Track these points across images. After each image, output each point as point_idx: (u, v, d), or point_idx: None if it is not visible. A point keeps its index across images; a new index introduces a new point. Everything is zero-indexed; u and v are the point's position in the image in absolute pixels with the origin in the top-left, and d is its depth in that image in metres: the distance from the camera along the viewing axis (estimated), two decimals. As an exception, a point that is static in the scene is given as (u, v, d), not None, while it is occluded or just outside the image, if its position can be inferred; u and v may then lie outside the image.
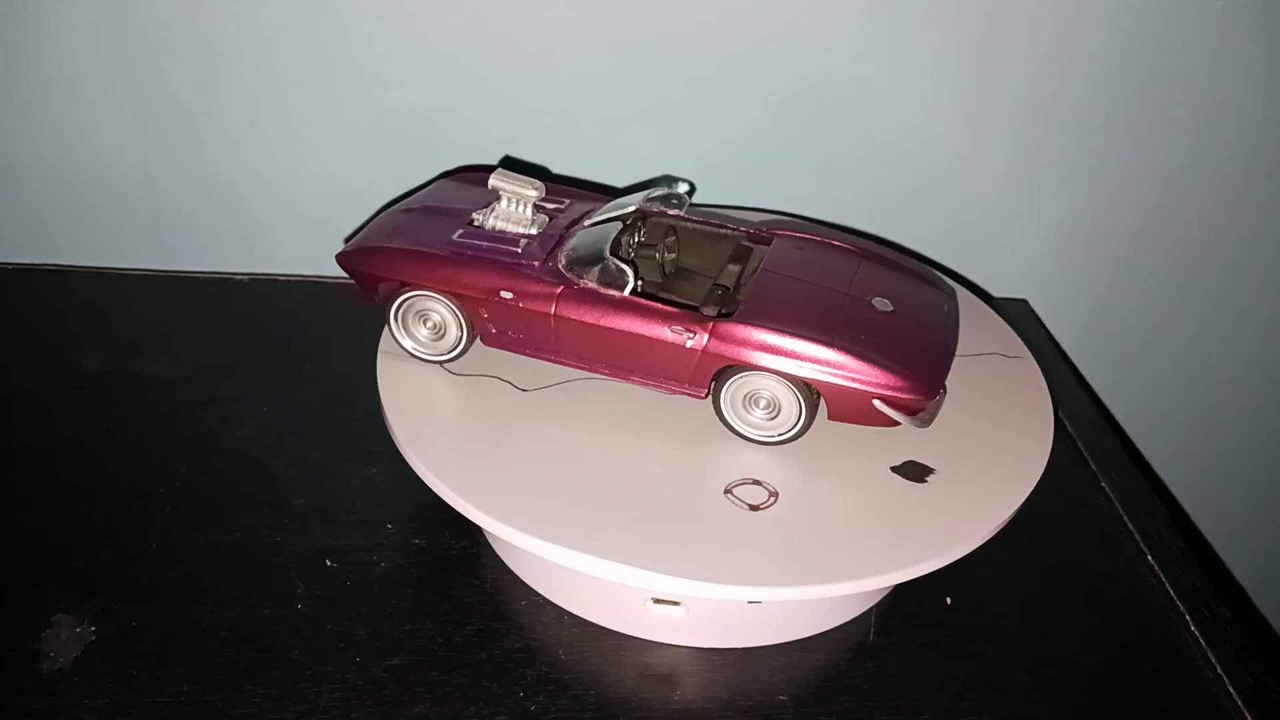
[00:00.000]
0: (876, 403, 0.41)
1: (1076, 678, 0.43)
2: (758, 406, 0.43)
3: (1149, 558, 0.49)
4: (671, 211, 0.49)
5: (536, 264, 0.44)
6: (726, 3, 0.59)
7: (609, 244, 0.44)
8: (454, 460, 0.41)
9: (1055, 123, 0.64)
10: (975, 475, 0.43)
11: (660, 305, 0.43)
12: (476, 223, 0.47)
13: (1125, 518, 0.51)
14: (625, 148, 0.64)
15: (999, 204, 0.68)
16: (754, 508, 0.40)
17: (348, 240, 0.49)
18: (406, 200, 0.52)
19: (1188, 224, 0.69)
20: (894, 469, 0.42)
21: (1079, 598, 0.46)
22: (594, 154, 0.64)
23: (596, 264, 0.43)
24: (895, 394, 0.41)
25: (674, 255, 0.50)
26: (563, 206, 0.49)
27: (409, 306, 0.46)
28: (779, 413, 0.43)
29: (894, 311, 0.43)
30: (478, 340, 0.46)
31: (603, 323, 0.43)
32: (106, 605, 0.42)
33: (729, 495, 0.41)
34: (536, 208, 0.47)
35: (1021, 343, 0.52)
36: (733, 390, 0.43)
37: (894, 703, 0.41)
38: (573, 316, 0.43)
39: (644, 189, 0.50)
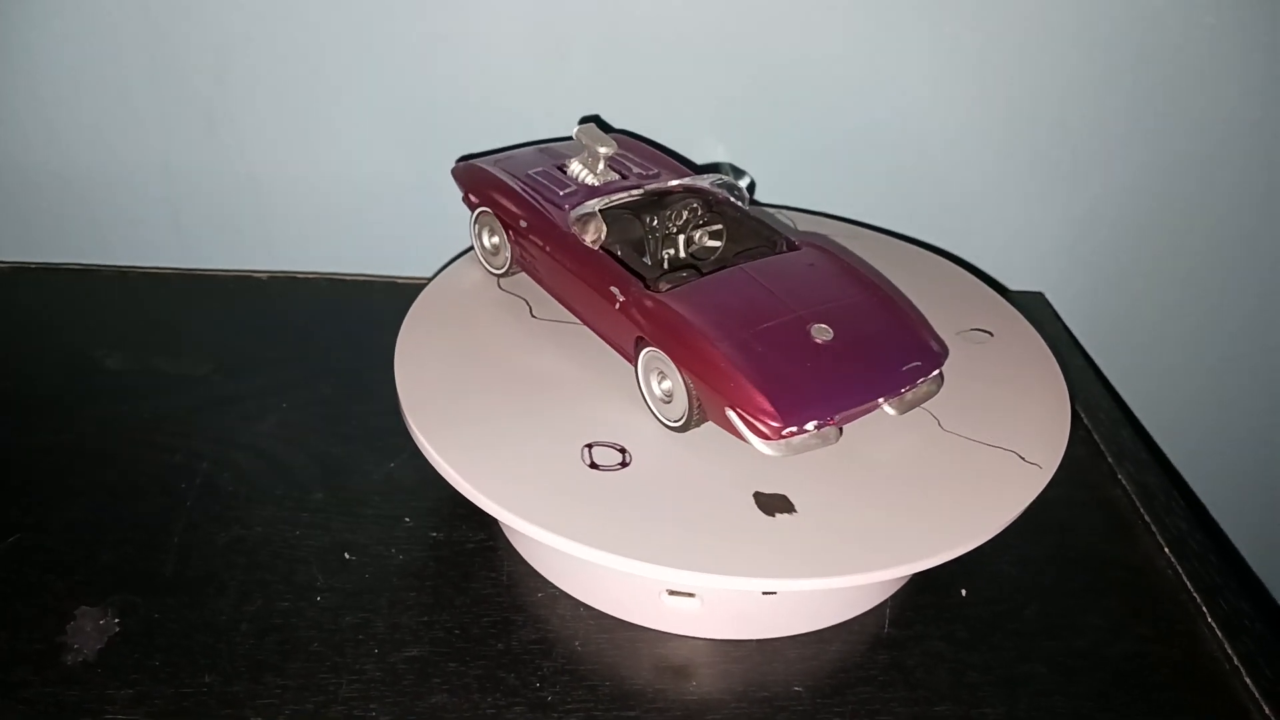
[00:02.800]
0: (730, 414, 0.40)
1: (1095, 670, 0.42)
2: (660, 387, 0.43)
3: (1167, 550, 0.48)
4: (719, 195, 0.49)
5: (565, 207, 0.47)
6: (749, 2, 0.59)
7: (607, 202, 0.47)
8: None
9: (1074, 114, 0.64)
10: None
11: (615, 264, 0.45)
12: (565, 169, 0.51)
13: (1143, 510, 0.51)
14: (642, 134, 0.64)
15: (1016, 197, 0.67)
16: (593, 465, 0.41)
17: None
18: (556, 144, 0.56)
19: (1206, 216, 0.68)
20: (756, 495, 0.40)
21: (1097, 590, 0.46)
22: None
23: (585, 214, 0.46)
24: (746, 412, 0.40)
25: (705, 238, 0.50)
26: (646, 172, 0.51)
27: (480, 221, 0.52)
28: (673, 399, 0.43)
29: (824, 344, 0.41)
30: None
31: (569, 267, 0.46)
32: (130, 598, 0.42)
33: (586, 451, 0.42)
34: (616, 166, 0.50)
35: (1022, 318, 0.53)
36: (644, 362, 0.43)
37: (910, 694, 0.41)
38: (555, 257, 0.47)
39: (708, 172, 0.52)
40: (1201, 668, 0.43)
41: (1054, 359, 0.50)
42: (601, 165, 0.50)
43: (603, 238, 0.46)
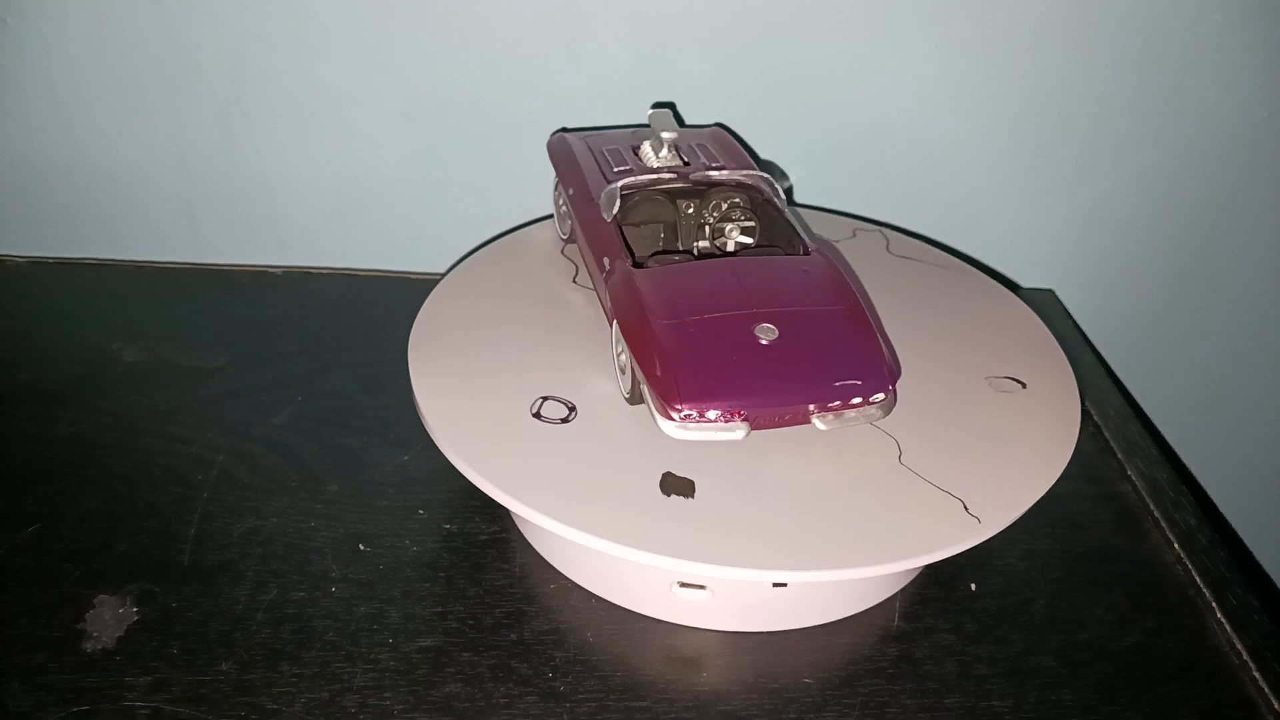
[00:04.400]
0: (644, 389, 0.41)
1: (1102, 662, 0.43)
2: (619, 359, 0.44)
3: (1175, 545, 0.49)
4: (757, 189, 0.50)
5: (607, 183, 0.50)
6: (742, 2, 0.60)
7: (642, 182, 0.49)
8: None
9: (1084, 110, 0.64)
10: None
11: (618, 238, 0.47)
12: (638, 150, 0.53)
13: (1152, 506, 0.51)
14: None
15: (1026, 193, 0.68)
16: (535, 415, 0.43)
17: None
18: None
19: (1216, 212, 0.68)
20: (664, 476, 0.41)
21: (1105, 584, 0.47)
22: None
23: (609, 190, 0.48)
24: (655, 389, 0.40)
25: (736, 233, 0.50)
26: (710, 164, 0.52)
27: (558, 187, 0.55)
28: (625, 371, 0.44)
29: (764, 343, 0.41)
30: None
31: (588, 237, 0.49)
32: (148, 587, 0.43)
33: (539, 417, 0.43)
34: (687, 154, 0.52)
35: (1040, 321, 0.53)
36: (615, 333, 0.45)
37: (919, 686, 0.41)
38: (584, 227, 0.50)
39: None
40: (1208, 661, 0.43)
41: (1063, 354, 0.50)
42: (665, 150, 0.51)
43: (616, 213, 0.48)
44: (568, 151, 0.54)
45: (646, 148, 0.52)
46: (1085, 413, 0.56)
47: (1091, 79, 0.63)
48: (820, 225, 0.59)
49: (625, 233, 0.48)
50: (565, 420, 0.43)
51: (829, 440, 0.43)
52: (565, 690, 0.40)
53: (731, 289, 0.43)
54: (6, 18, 0.60)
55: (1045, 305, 0.67)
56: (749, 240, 0.50)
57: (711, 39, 0.61)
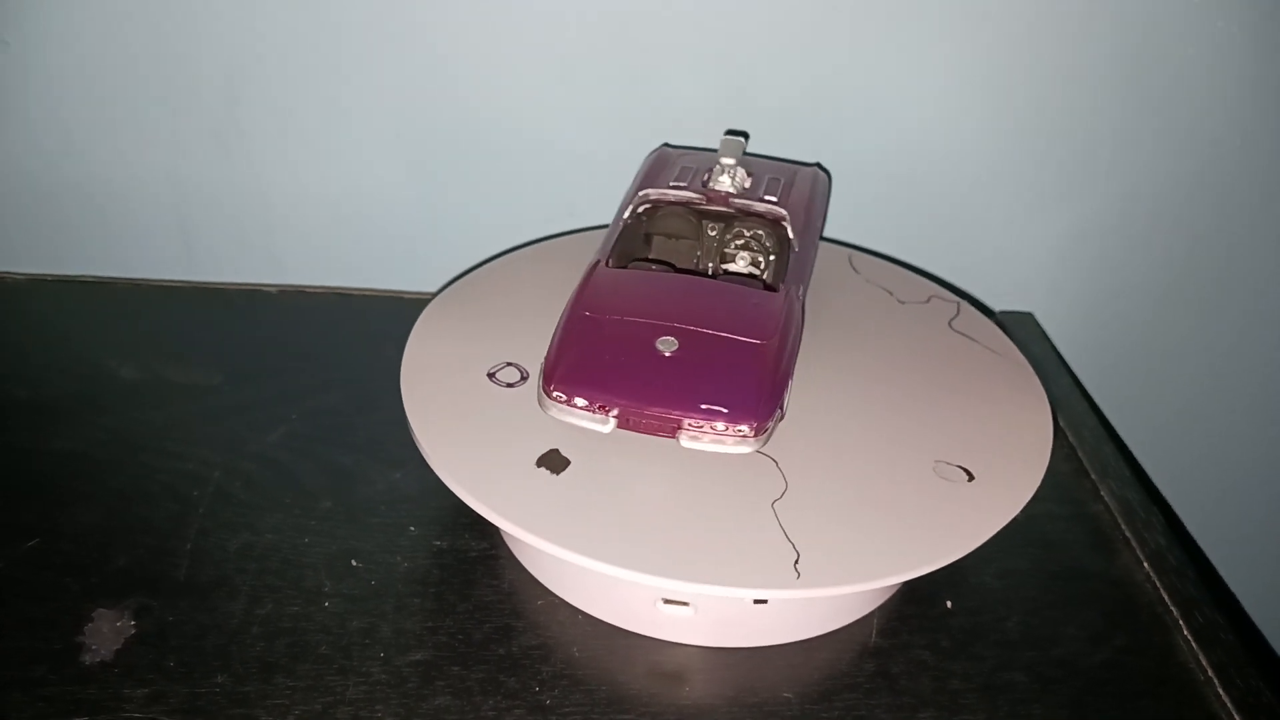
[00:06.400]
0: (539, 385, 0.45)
1: (1073, 679, 0.44)
2: None
3: (1145, 565, 0.50)
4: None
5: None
6: (736, 11, 0.61)
7: (665, 195, 0.52)
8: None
9: (1061, 134, 0.66)
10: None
11: (615, 239, 0.50)
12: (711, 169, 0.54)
13: (1123, 526, 0.52)
14: (643, 157, 0.66)
15: (1004, 217, 0.69)
16: (492, 376, 0.47)
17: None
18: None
19: (1194, 237, 0.70)
20: (538, 460, 0.44)
21: (1077, 602, 0.48)
22: (615, 157, 0.66)
23: (640, 196, 0.52)
24: (543, 367, 0.45)
25: (740, 263, 0.53)
26: (770, 179, 0.54)
27: None
28: None
29: (658, 353, 0.43)
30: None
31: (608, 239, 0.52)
32: (145, 601, 0.44)
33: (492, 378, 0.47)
34: (757, 181, 0.54)
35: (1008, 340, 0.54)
36: None
37: (895, 700, 0.42)
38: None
39: None
40: (1176, 678, 0.44)
41: (1036, 377, 0.52)
42: (726, 174, 0.53)
43: (627, 216, 0.52)
44: (655, 161, 0.57)
45: (716, 170, 0.54)
46: (1060, 434, 0.58)
47: (1072, 103, 0.64)
48: (899, 285, 0.58)
49: (654, 242, 0.53)
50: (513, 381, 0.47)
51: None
52: (552, 704, 0.41)
53: (667, 302, 0.46)
54: (8, 38, 0.62)
55: (1024, 328, 0.68)
56: (745, 270, 0.52)
57: (701, 60, 0.63)
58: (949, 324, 0.55)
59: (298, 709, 0.40)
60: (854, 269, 0.60)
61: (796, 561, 0.40)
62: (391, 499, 0.50)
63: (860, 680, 0.43)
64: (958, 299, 0.58)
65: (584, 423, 0.43)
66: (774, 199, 0.52)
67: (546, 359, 0.45)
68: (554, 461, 0.43)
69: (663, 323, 0.45)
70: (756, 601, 0.41)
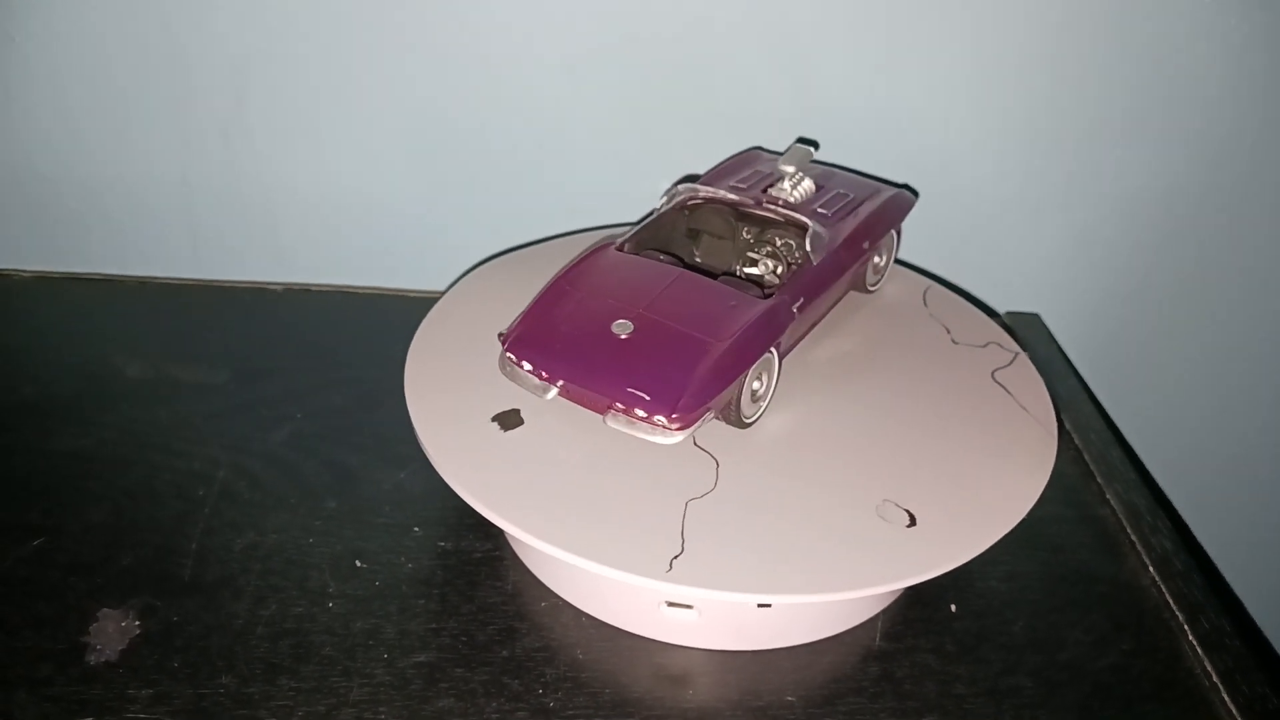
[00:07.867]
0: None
1: (1079, 683, 0.44)
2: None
3: (1151, 569, 0.50)
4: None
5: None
6: (740, 16, 0.61)
7: (714, 193, 0.53)
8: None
9: (1069, 135, 0.66)
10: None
11: (640, 226, 0.52)
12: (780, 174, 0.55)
13: (1129, 530, 0.52)
14: (648, 157, 0.66)
15: (1011, 217, 0.69)
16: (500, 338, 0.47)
17: None
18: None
19: (1200, 238, 0.70)
20: (497, 416, 0.46)
21: (1082, 606, 0.48)
22: (620, 161, 0.66)
23: (683, 187, 0.54)
24: (503, 339, 0.46)
25: (759, 269, 0.53)
26: (837, 194, 0.55)
27: None
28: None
29: (611, 334, 0.45)
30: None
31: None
32: (150, 601, 0.44)
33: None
34: (823, 191, 0.55)
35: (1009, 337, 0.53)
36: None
37: (900, 705, 0.42)
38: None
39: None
40: (1181, 683, 0.44)
41: (1041, 380, 0.51)
42: (787, 181, 0.54)
43: (664, 206, 0.53)
44: (735, 160, 0.58)
45: (781, 170, 0.55)
46: (1067, 436, 0.58)
47: (1079, 104, 0.64)
48: (962, 324, 0.56)
49: (698, 238, 0.55)
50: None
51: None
52: (555, 706, 0.41)
53: (643, 290, 0.47)
54: (14, 34, 0.62)
55: (1031, 329, 0.68)
56: (759, 274, 0.52)
57: (701, 64, 0.63)
58: (992, 373, 0.52)
59: (301, 710, 0.40)
60: (924, 302, 0.58)
61: (676, 557, 0.39)
62: (396, 499, 0.50)
63: (865, 684, 0.43)
64: (1018, 349, 0.54)
65: (529, 388, 0.45)
66: (826, 212, 0.52)
67: (514, 320, 0.47)
68: (508, 419, 0.46)
69: (628, 307, 0.46)
70: (761, 605, 0.41)
